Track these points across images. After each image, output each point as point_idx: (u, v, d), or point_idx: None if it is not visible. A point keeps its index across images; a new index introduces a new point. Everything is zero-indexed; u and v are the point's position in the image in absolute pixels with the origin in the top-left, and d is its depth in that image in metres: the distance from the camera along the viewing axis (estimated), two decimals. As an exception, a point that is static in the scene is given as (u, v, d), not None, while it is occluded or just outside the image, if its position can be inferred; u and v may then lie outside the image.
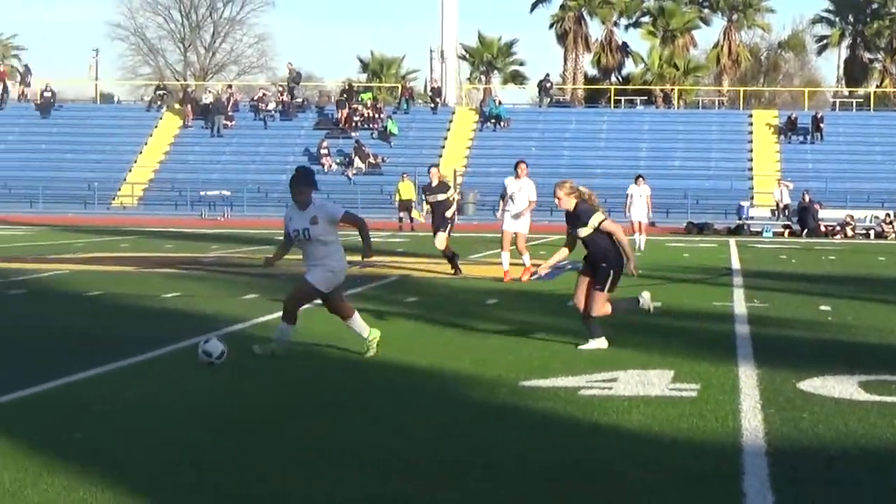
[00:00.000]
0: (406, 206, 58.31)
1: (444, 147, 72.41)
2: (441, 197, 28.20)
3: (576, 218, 15.62)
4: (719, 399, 12.22)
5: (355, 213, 15.47)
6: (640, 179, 42.04)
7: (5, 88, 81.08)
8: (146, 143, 73.72)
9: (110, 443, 9.98)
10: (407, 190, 58.46)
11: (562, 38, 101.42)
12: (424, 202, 27.93)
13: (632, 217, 41.09)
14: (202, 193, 67.08)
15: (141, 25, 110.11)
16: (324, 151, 70.67)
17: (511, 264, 26.62)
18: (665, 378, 13.47)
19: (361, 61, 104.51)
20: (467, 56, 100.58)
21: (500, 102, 78.53)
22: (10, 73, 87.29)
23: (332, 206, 15.68)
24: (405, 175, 58.85)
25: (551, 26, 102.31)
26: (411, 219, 57.44)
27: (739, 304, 22.51)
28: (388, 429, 10.81)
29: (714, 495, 8.58)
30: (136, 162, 71.52)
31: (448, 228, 27.87)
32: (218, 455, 9.68)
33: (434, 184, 28.46)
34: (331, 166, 70.07)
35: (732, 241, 51.23)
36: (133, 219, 62.46)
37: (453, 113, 76.96)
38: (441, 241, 27.34)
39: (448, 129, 74.57)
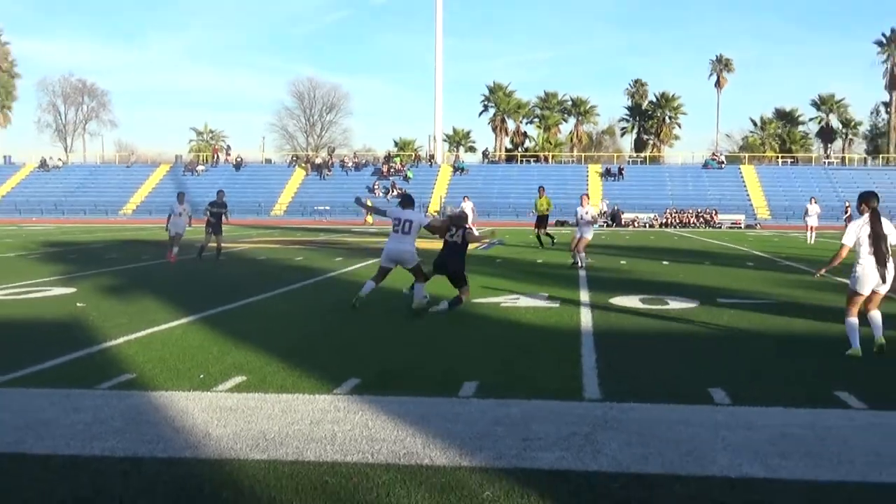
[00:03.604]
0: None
1: (435, 184, 72.38)
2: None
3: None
4: (570, 308, 12.22)
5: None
6: (813, 199, 36.68)
7: (217, 157, 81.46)
8: (287, 183, 73.49)
9: (273, 330, 9.98)
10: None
11: (494, 129, 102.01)
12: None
13: (807, 223, 35.25)
14: (316, 207, 67.01)
15: (285, 125, 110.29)
16: (376, 187, 70.89)
17: None
18: (544, 297, 13.48)
19: (395, 141, 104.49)
20: (447, 138, 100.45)
21: (463, 161, 79.07)
22: (220, 148, 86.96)
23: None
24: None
25: (488, 123, 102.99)
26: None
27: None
28: (409, 326, 10.85)
29: (567, 354, 8.60)
30: (282, 192, 71.44)
31: None
32: (319, 338, 9.73)
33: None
34: (378, 195, 70.28)
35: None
36: (281, 221, 62.14)
37: (439, 167, 76.82)
38: None
39: (437, 176, 74.43)
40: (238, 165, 78.00)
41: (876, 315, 8.90)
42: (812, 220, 35.39)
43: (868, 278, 8.75)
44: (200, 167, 77.93)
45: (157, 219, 64.15)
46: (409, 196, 12.78)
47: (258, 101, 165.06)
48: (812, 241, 33.49)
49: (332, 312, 11.72)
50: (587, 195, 22.60)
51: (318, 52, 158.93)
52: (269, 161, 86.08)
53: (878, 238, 8.73)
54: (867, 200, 8.92)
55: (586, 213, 20.88)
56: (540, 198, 28.97)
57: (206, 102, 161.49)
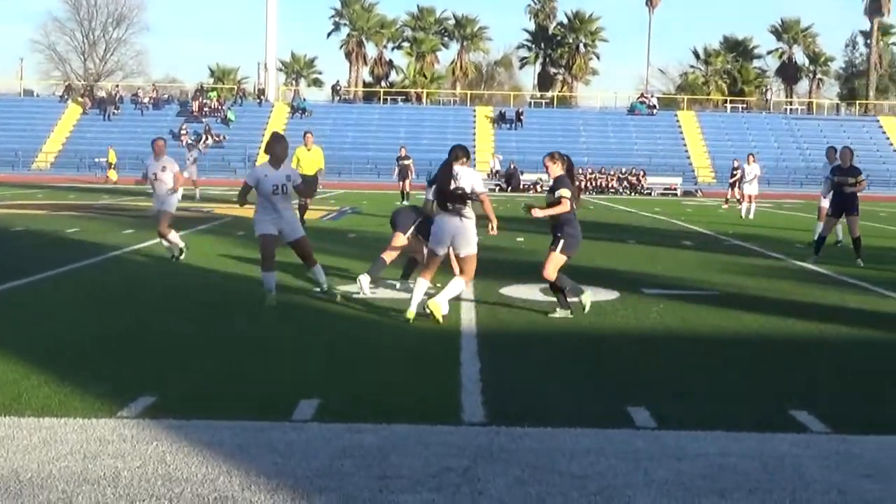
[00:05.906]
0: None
1: (265, 130, 71.67)
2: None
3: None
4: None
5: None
6: (751, 157, 35.63)
7: (-47, 86, 78.98)
8: (56, 125, 71.84)
9: (32, 331, 9.75)
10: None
11: (348, 55, 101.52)
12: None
13: (743, 190, 35.48)
14: (96, 160, 65.58)
15: (53, 42, 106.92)
16: (183, 132, 69.82)
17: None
18: (411, 287, 13.45)
19: (211, 70, 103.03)
20: (283, 67, 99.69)
21: (304, 99, 78.79)
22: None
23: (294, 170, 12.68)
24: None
25: (341, 47, 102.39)
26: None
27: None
28: (225, 326, 10.76)
29: (442, 364, 8.71)
30: (49, 137, 69.78)
31: None
32: (100, 341, 9.58)
33: None
34: (185, 142, 69.37)
35: (462, 194, 51.55)
36: (47, 177, 60.66)
37: (272, 107, 76.34)
38: None
39: (269, 118, 73.90)
40: (-17, 98, 75.88)
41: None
42: (750, 186, 34.55)
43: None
44: (-72, 100, 75.56)
45: None
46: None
47: (14, 9, 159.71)
48: (751, 216, 33.12)
49: (118, 305, 11.55)
50: (163, 139, 17.63)
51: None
52: (29, 93, 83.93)
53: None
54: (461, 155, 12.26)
55: (162, 169, 16.89)
56: (307, 149, 24.59)
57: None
